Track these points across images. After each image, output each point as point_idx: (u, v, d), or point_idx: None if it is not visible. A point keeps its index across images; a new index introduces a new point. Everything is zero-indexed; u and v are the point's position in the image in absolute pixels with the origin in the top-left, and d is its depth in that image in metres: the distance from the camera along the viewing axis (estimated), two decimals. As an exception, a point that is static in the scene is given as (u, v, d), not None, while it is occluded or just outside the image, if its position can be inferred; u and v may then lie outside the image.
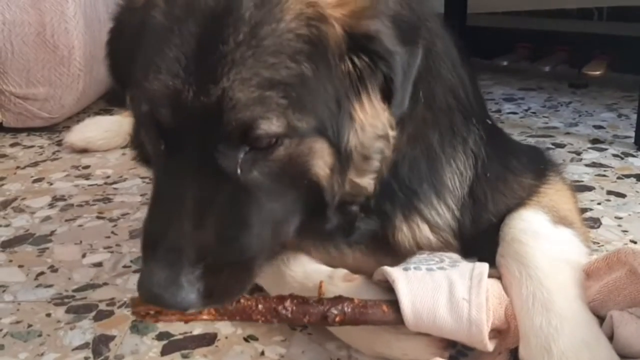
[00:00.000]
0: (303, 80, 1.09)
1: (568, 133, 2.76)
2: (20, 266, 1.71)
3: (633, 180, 2.18)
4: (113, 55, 1.34)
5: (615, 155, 2.44)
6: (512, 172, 1.49)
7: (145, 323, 1.41)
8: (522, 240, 1.31)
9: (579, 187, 2.10)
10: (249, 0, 1.07)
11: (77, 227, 1.96)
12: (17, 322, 1.45)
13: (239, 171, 1.08)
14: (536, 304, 1.18)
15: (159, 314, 1.13)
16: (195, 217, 1.06)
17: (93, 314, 1.47)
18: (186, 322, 1.22)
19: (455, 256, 1.34)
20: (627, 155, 2.44)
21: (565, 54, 3.58)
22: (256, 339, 1.35)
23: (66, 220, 2.01)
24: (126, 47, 1.22)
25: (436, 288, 1.18)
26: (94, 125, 2.78)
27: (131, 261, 1.72)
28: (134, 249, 1.78)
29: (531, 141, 2.62)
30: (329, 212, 1.23)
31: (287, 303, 1.17)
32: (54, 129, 3.06)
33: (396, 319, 1.18)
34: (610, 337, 1.16)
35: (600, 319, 1.19)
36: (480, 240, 1.41)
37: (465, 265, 1.25)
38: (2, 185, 2.36)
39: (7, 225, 1.99)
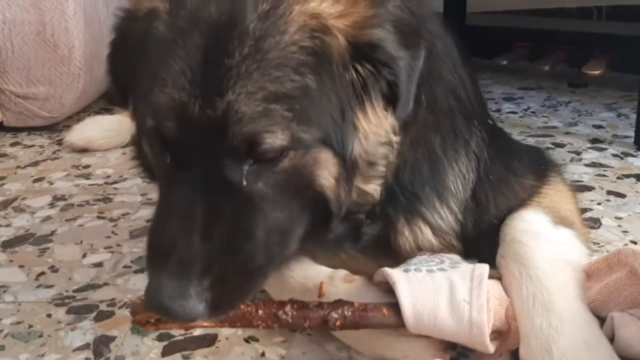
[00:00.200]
0: (307, 92, 1.09)
1: (568, 133, 2.76)
2: (20, 266, 1.71)
3: (633, 180, 2.18)
4: (115, 68, 1.32)
5: (615, 155, 2.44)
6: (514, 174, 1.49)
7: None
8: (523, 241, 1.31)
9: (579, 187, 2.10)
10: (253, 13, 1.07)
11: (77, 227, 1.96)
12: (18, 323, 1.45)
13: (244, 183, 1.08)
14: (536, 304, 1.18)
15: (159, 322, 1.13)
16: (202, 229, 1.06)
17: (94, 314, 1.48)
18: (186, 329, 1.24)
19: (456, 257, 1.34)
20: (627, 155, 2.44)
21: (565, 53, 3.57)
22: (257, 340, 1.35)
23: (66, 220, 2.01)
24: (129, 59, 1.22)
25: (437, 289, 1.19)
26: (94, 125, 2.79)
27: (132, 261, 1.72)
28: (134, 249, 1.79)
29: (531, 141, 2.62)
30: (334, 222, 1.23)
31: (287, 308, 1.17)
32: (54, 128, 3.06)
33: (397, 322, 1.18)
34: (611, 339, 1.16)
35: (601, 320, 1.20)
36: (481, 241, 1.41)
37: (466, 267, 1.25)
38: (3, 184, 2.36)
39: (7, 225, 1.99)
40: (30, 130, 3.04)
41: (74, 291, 1.58)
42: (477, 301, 1.16)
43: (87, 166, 2.54)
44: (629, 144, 2.56)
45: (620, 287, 1.19)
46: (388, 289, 1.23)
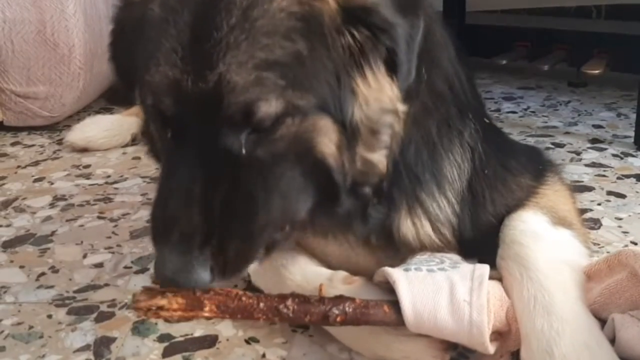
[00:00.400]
0: (299, 59, 1.10)
1: (567, 132, 2.76)
2: (21, 267, 1.71)
3: (633, 180, 2.17)
4: (117, 56, 1.35)
5: (614, 155, 2.44)
6: (511, 172, 1.49)
7: (146, 324, 1.41)
8: (522, 243, 1.31)
9: (579, 188, 2.10)
10: None
11: (78, 227, 1.96)
12: (19, 324, 1.45)
13: (243, 152, 1.09)
14: (537, 306, 1.18)
15: (160, 310, 1.13)
16: (201, 200, 1.08)
17: (94, 315, 1.47)
18: (187, 318, 1.21)
19: (456, 257, 1.34)
20: (627, 155, 2.44)
21: (564, 53, 3.58)
22: (257, 341, 1.35)
23: (67, 220, 2.01)
24: (128, 44, 1.24)
25: (437, 289, 1.18)
26: (94, 125, 2.79)
27: (132, 262, 1.72)
28: (134, 249, 1.79)
29: (531, 141, 2.62)
30: (342, 194, 1.23)
31: (289, 302, 1.17)
32: (55, 127, 3.07)
33: (397, 320, 1.18)
34: (612, 340, 1.16)
35: (602, 321, 1.20)
36: (479, 241, 1.41)
37: (466, 267, 1.25)
38: (3, 184, 2.36)
39: (8, 226, 1.99)
40: (31, 129, 3.04)
41: (75, 292, 1.58)
42: (477, 301, 1.16)
43: (88, 166, 2.54)
44: (628, 144, 2.56)
45: (621, 289, 1.19)
46: (388, 289, 1.23)
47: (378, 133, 1.21)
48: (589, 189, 2.11)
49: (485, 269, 1.23)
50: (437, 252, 1.37)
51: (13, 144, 2.88)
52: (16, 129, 3.03)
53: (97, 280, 1.63)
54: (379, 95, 1.17)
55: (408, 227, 1.36)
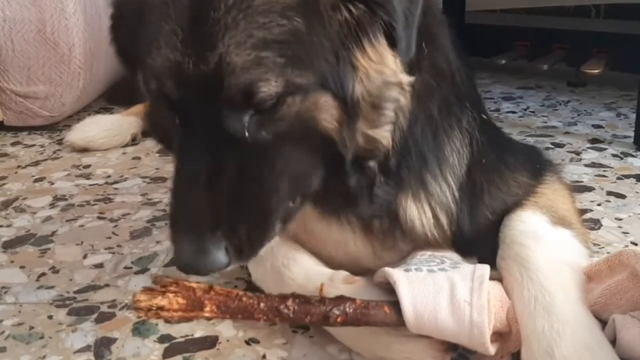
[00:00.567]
0: (297, 36, 1.10)
1: (567, 132, 2.76)
2: (21, 267, 1.71)
3: (633, 180, 2.17)
4: (118, 39, 1.35)
5: (614, 155, 2.43)
6: (508, 168, 1.49)
7: (147, 325, 1.41)
8: (523, 243, 1.31)
9: (579, 188, 2.10)
10: None
11: (78, 228, 1.96)
12: (19, 324, 1.45)
13: (246, 134, 1.10)
14: (538, 307, 1.18)
15: (161, 310, 1.13)
16: (208, 184, 1.10)
17: (94, 316, 1.48)
18: (188, 319, 1.22)
19: (456, 257, 1.34)
20: (627, 155, 2.44)
21: (564, 52, 3.57)
22: (257, 342, 1.35)
23: (67, 221, 2.01)
24: (128, 27, 1.24)
25: (438, 290, 1.18)
26: (94, 124, 2.79)
27: (132, 262, 1.72)
28: (134, 250, 1.79)
29: (530, 141, 2.61)
30: (348, 166, 1.23)
31: (289, 302, 1.17)
32: (55, 127, 3.07)
33: (398, 321, 1.18)
34: (613, 341, 1.16)
35: (602, 322, 1.20)
36: (478, 241, 1.41)
37: (467, 267, 1.26)
38: (3, 184, 2.36)
39: (8, 226, 1.99)
40: (31, 129, 3.04)
41: (75, 292, 1.58)
42: (478, 302, 1.16)
43: (88, 166, 2.54)
44: (628, 144, 2.56)
45: (622, 290, 1.19)
46: (389, 289, 1.23)
47: (381, 108, 1.20)
48: (589, 189, 2.11)
49: (485, 269, 1.23)
50: (436, 252, 1.37)
51: (13, 144, 2.88)
52: (16, 129, 3.03)
53: (97, 281, 1.63)
54: (380, 67, 1.17)
55: (412, 208, 1.36)
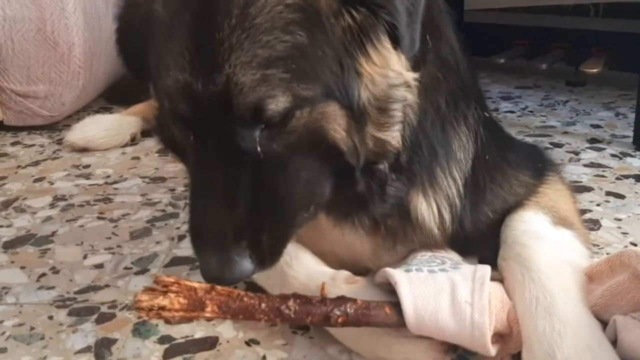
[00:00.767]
0: (301, 50, 1.10)
1: (566, 132, 2.76)
2: (22, 267, 1.71)
3: (632, 180, 2.17)
4: (124, 52, 1.36)
5: (613, 155, 2.43)
6: (510, 166, 1.49)
7: (147, 326, 1.42)
8: (525, 243, 1.32)
9: (578, 188, 2.09)
10: None
11: (78, 228, 1.96)
12: (20, 325, 1.45)
13: (258, 149, 1.12)
14: (539, 308, 1.18)
15: (162, 310, 1.13)
16: (227, 199, 1.13)
17: (95, 316, 1.48)
18: (189, 319, 1.22)
19: (457, 258, 1.34)
20: (626, 155, 2.44)
21: (563, 52, 3.58)
22: (258, 343, 1.35)
23: (67, 221, 2.01)
24: (135, 42, 1.26)
25: (438, 290, 1.19)
26: (94, 124, 2.79)
27: (132, 263, 1.72)
28: (134, 250, 1.79)
29: (529, 140, 2.59)
30: (357, 174, 1.24)
31: (290, 302, 1.17)
32: (55, 127, 3.07)
33: (399, 321, 1.18)
34: (614, 342, 1.16)
35: (603, 323, 1.20)
36: (478, 239, 1.42)
37: (468, 268, 1.26)
38: (3, 184, 2.36)
39: (8, 226, 1.99)
40: (31, 129, 3.04)
41: (75, 293, 1.58)
42: (478, 303, 1.16)
43: (87, 166, 2.54)
44: (627, 144, 2.56)
45: (623, 290, 1.19)
46: (390, 290, 1.24)
47: (388, 110, 1.21)
48: (588, 189, 2.11)
49: (486, 269, 1.23)
50: (436, 252, 1.37)
51: (13, 144, 2.88)
52: (16, 129, 3.03)
53: (97, 281, 1.63)
54: (384, 71, 1.18)
55: (422, 204, 1.37)
